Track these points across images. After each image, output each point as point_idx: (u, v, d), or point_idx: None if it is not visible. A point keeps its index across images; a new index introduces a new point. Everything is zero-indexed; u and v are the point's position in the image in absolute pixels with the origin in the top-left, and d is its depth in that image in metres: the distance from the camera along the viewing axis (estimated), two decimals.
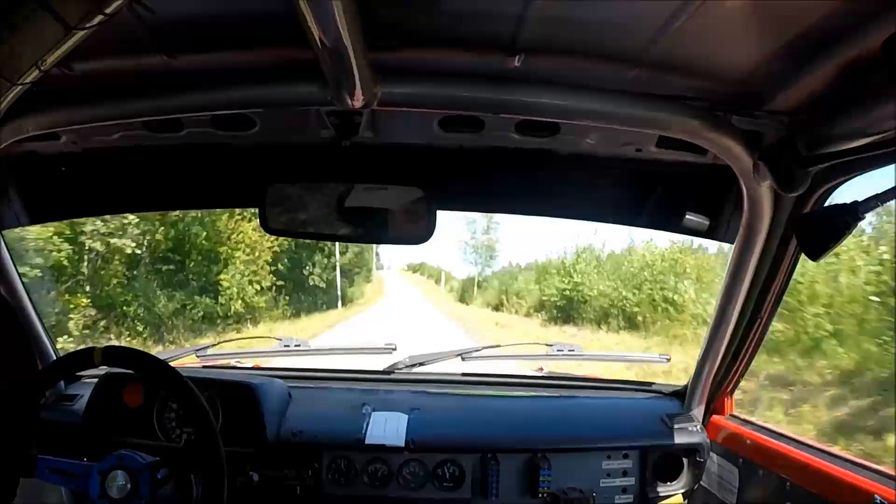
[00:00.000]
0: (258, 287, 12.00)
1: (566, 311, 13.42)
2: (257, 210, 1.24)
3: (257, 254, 12.09)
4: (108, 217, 7.94)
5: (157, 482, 1.03)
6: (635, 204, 1.40)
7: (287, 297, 13.47)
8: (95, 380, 1.44)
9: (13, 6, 0.60)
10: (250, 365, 1.85)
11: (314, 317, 13.71)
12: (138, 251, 9.49)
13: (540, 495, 1.41)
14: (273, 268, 12.69)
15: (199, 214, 10.41)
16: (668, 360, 2.03)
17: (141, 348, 1.83)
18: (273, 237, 10.15)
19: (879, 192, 0.85)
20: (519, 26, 0.85)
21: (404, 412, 1.46)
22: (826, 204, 1.11)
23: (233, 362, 1.84)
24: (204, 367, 1.78)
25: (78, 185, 1.40)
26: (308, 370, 1.80)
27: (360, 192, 1.25)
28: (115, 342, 7.89)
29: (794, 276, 1.28)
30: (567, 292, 13.47)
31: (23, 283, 1.46)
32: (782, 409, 5.18)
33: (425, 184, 1.22)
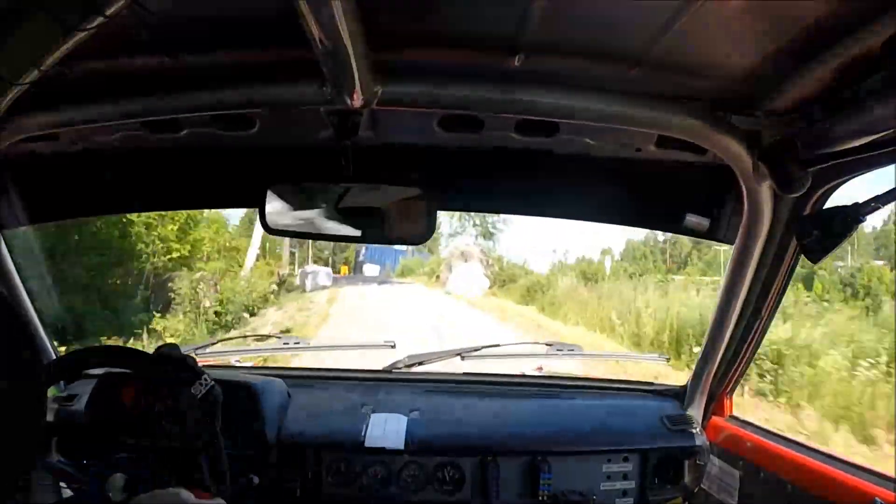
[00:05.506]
0: None
1: None
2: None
3: None
4: None
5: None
6: (635, 204, 1.40)
7: None
8: (95, 380, 1.44)
9: (13, 7, 0.60)
10: (250, 364, 1.85)
11: None
12: None
13: (540, 498, 1.40)
14: None
15: None
16: (668, 359, 2.05)
17: None
18: None
19: (880, 193, 0.85)
20: (520, 27, 0.85)
21: (404, 413, 1.46)
22: (826, 205, 1.10)
23: (232, 361, 1.84)
24: (203, 366, 1.78)
25: (78, 185, 1.40)
26: (308, 370, 1.80)
27: (359, 192, 1.24)
28: None
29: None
30: None
31: (22, 282, 1.46)
32: None
33: (425, 184, 1.21)
